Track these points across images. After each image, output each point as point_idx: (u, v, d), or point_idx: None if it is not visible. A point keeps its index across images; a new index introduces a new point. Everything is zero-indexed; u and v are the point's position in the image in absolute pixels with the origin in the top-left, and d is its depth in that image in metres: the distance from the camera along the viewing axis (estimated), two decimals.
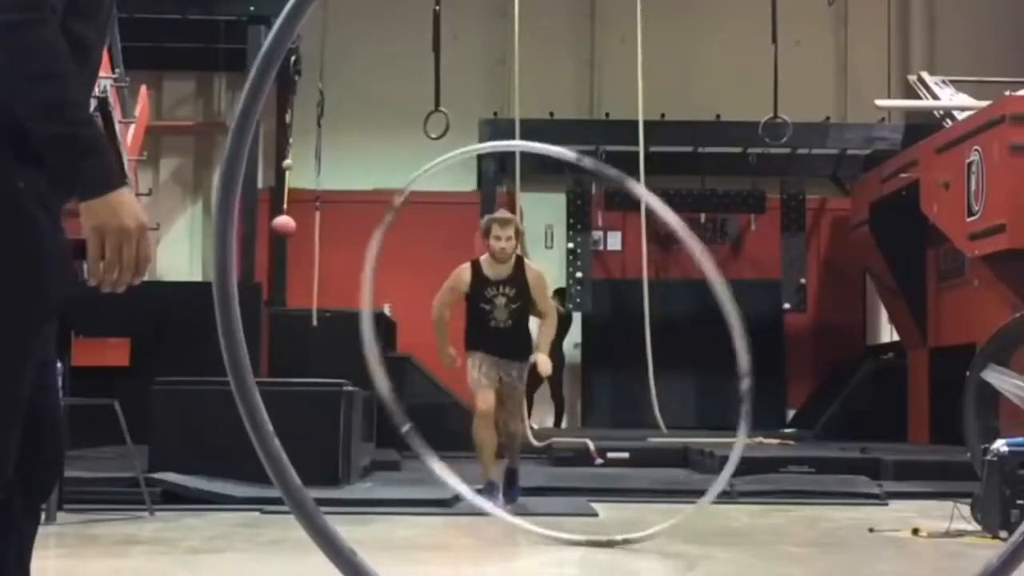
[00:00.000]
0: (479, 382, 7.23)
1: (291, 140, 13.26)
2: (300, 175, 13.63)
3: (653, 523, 7.31)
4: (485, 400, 7.15)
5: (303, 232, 12.80)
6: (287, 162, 13.12)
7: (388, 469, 9.85)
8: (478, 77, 15.50)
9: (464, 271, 7.37)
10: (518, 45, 12.42)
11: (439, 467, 5.74)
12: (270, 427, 2.11)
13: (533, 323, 7.50)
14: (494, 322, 7.28)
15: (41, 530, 2.44)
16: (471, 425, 7.26)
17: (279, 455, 2.08)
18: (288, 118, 13.55)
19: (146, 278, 2.08)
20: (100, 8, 2.33)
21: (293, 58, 13.32)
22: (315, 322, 12.11)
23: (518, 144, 11.39)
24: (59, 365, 6.61)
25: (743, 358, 4.94)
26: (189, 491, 7.41)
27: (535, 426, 12.54)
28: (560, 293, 14.58)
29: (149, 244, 2.15)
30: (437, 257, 15.03)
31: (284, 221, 12.64)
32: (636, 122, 12.35)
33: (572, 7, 16.14)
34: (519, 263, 7.40)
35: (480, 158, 14.63)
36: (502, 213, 7.98)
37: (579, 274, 14.44)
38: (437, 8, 12.79)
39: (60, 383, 6.93)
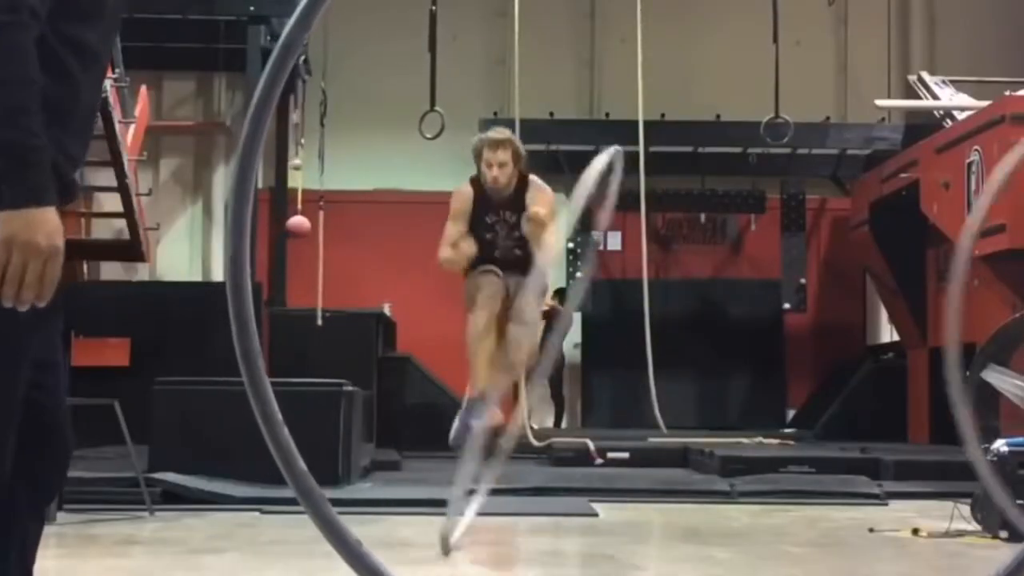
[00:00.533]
0: (477, 302, 6.09)
1: (302, 140, 13.24)
2: (303, 175, 13.65)
3: (653, 523, 7.33)
4: (481, 315, 6.02)
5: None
6: (296, 162, 13.10)
7: (388, 469, 9.85)
8: (478, 77, 15.50)
9: (465, 190, 6.24)
10: (518, 45, 12.41)
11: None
12: (280, 416, 2.11)
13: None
14: (499, 251, 6.32)
15: None
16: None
17: (288, 445, 2.08)
18: (296, 117, 13.54)
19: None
20: (103, 7, 2.32)
21: (303, 58, 13.34)
22: (320, 322, 12.09)
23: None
24: None
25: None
26: (189, 491, 7.42)
27: (535, 426, 12.54)
28: (560, 293, 14.60)
29: (57, 268, 2.12)
30: (437, 257, 15.08)
31: (298, 221, 12.56)
32: (636, 122, 12.34)
33: (572, 7, 16.13)
34: (522, 183, 6.33)
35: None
36: (496, 132, 6.71)
37: (579, 274, 14.44)
38: (433, 8, 12.79)
39: None
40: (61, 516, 6.48)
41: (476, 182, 6.28)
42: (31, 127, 2.09)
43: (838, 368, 15.15)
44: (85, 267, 13.73)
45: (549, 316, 14.51)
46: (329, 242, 12.65)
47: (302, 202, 12.94)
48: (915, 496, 8.36)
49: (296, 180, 13.07)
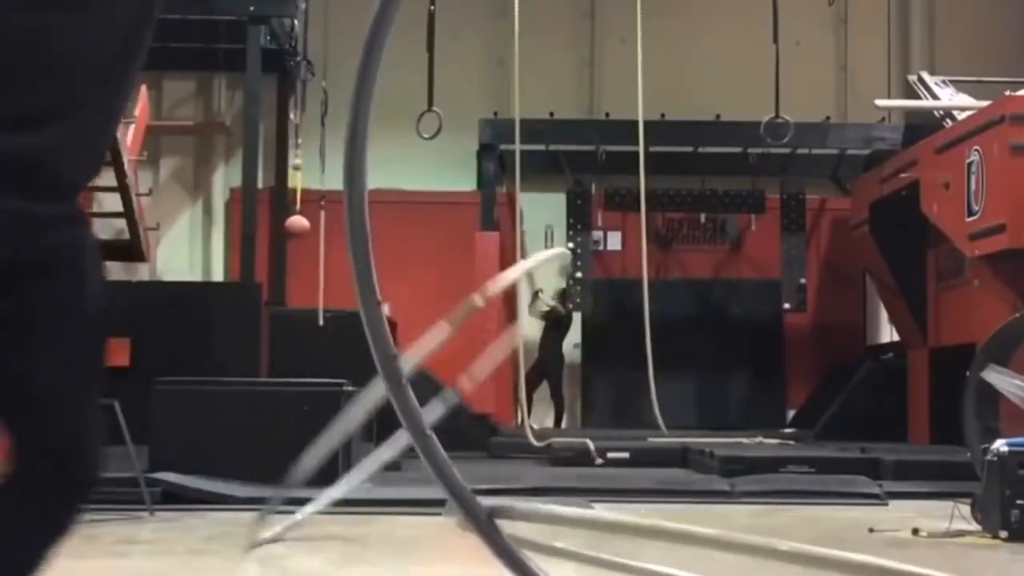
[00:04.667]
0: None
1: (299, 140, 13.24)
2: (302, 174, 13.63)
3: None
4: None
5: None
6: (296, 161, 13.09)
7: (388, 469, 9.83)
8: (478, 77, 15.51)
9: None
10: (518, 45, 12.40)
11: None
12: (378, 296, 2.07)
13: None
14: None
15: None
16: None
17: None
18: (295, 116, 13.52)
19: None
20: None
21: (303, 58, 13.35)
22: (321, 322, 12.08)
23: None
24: None
25: None
26: (189, 491, 7.41)
27: (535, 426, 12.54)
28: (560, 293, 14.61)
29: None
30: (437, 257, 15.07)
31: (295, 220, 12.52)
32: (636, 122, 12.34)
33: (572, 7, 16.14)
34: None
35: (480, 158, 14.64)
36: None
37: (579, 274, 14.44)
38: (432, 8, 12.78)
39: None
40: None
41: None
42: None
43: (838, 368, 15.15)
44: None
45: (550, 316, 14.56)
46: (329, 242, 12.65)
47: (303, 202, 12.94)
48: (915, 496, 8.36)
49: (295, 180, 13.05)
